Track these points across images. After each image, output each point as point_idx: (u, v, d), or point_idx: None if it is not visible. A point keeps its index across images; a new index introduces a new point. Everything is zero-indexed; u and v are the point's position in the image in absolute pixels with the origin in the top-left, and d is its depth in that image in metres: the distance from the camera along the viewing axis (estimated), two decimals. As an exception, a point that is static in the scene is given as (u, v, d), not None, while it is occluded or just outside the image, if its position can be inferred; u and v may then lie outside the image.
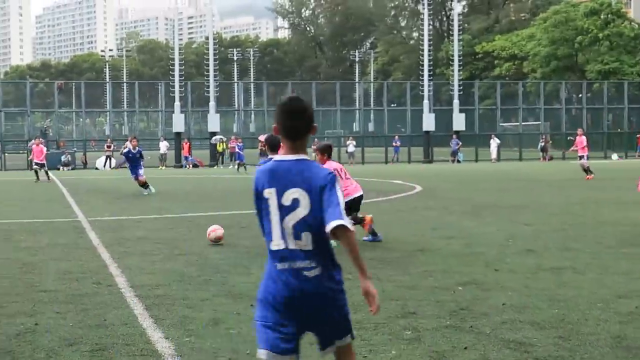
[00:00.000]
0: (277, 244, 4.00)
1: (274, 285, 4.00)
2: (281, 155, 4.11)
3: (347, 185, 12.44)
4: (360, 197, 12.76)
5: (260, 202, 4.10)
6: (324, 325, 4.07)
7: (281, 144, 4.14)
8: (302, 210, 3.95)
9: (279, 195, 4.00)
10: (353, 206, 12.31)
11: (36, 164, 33.70)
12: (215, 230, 12.65)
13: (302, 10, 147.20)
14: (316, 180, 3.96)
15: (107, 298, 8.35)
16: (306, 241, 3.95)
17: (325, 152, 12.40)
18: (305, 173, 4.00)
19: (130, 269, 10.08)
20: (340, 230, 3.87)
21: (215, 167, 51.70)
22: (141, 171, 24.64)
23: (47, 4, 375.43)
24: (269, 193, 4.03)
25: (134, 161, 24.90)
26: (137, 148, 25.00)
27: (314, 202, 3.95)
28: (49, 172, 34.55)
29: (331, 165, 12.05)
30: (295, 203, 3.97)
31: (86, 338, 6.65)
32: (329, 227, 3.89)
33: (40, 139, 36.98)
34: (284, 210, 3.98)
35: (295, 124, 4.07)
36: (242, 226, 14.84)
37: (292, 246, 3.97)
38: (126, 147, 25.86)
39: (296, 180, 3.98)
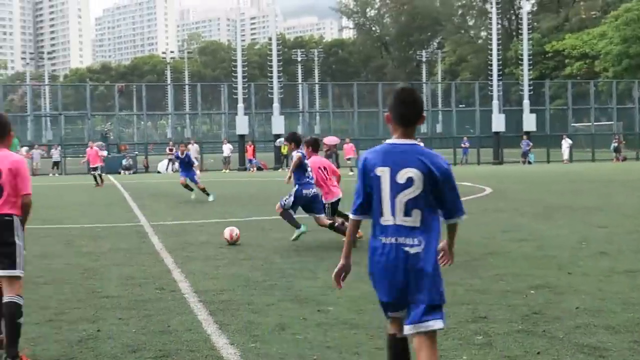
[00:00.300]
0: (386, 219, 4.50)
1: (377, 258, 4.50)
2: (394, 139, 4.59)
3: (329, 185, 13.61)
4: (339, 201, 13.68)
5: (369, 180, 4.59)
6: (417, 302, 4.46)
7: (393, 128, 4.62)
8: (415, 189, 4.46)
9: (393, 173, 4.51)
10: (333, 208, 13.58)
11: (92, 168, 34.09)
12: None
13: (367, 9, 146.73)
14: (434, 165, 4.48)
15: (171, 304, 8.44)
16: (415, 218, 4.45)
17: (312, 145, 13.65)
18: (420, 156, 4.50)
19: (193, 274, 10.19)
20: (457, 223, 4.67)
21: (280, 169, 51.91)
22: (197, 177, 24.45)
23: (107, 6, 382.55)
24: (382, 171, 4.54)
25: (183, 165, 25.00)
26: (185, 153, 25.10)
27: (427, 183, 4.46)
28: (101, 175, 34.35)
29: (316, 160, 13.54)
30: (410, 182, 4.47)
31: (149, 344, 6.73)
32: (452, 220, 4.65)
33: (97, 143, 37.41)
34: (397, 188, 4.49)
35: (408, 112, 4.61)
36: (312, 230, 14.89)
37: (399, 222, 4.48)
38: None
39: (412, 161, 4.47)
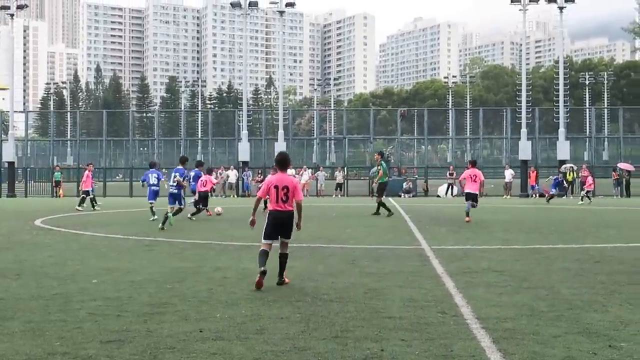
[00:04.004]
0: None
1: None
2: None
3: (468, 183, 25.53)
4: (469, 193, 25.55)
5: None
6: None
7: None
8: None
9: None
10: (468, 196, 25.62)
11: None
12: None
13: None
14: None
15: (453, 328, 8.38)
16: None
17: (474, 164, 26.34)
18: None
19: (475, 300, 10.06)
20: None
21: (564, 197, 50.45)
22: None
23: (391, 33, 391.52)
24: None
25: None
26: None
27: None
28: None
29: (475, 171, 25.62)
30: None
31: (433, 368, 6.71)
32: None
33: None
34: None
35: None
36: (596, 261, 14.32)
37: None
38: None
39: None
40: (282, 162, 11.71)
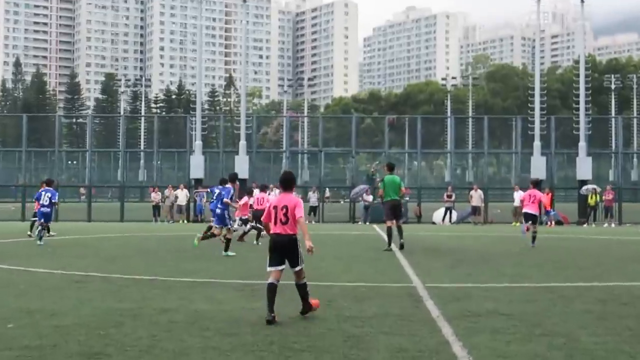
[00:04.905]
0: None
1: None
2: None
3: (527, 203, 28.61)
4: (529, 214, 28.64)
5: None
6: None
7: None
8: None
9: None
10: (527, 217, 28.75)
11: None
12: None
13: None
14: None
15: (452, 384, 8.42)
16: None
17: (535, 185, 29.81)
18: None
19: (478, 350, 10.10)
20: None
21: (586, 225, 50.72)
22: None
23: (378, 24, 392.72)
24: None
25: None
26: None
27: None
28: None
29: (534, 192, 28.80)
30: None
31: None
32: None
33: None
34: None
35: None
36: (623, 302, 14.41)
37: None
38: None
39: None
40: (286, 182, 12.92)
